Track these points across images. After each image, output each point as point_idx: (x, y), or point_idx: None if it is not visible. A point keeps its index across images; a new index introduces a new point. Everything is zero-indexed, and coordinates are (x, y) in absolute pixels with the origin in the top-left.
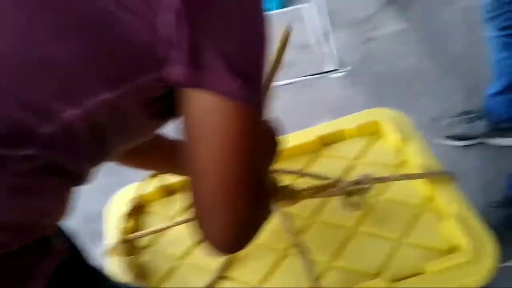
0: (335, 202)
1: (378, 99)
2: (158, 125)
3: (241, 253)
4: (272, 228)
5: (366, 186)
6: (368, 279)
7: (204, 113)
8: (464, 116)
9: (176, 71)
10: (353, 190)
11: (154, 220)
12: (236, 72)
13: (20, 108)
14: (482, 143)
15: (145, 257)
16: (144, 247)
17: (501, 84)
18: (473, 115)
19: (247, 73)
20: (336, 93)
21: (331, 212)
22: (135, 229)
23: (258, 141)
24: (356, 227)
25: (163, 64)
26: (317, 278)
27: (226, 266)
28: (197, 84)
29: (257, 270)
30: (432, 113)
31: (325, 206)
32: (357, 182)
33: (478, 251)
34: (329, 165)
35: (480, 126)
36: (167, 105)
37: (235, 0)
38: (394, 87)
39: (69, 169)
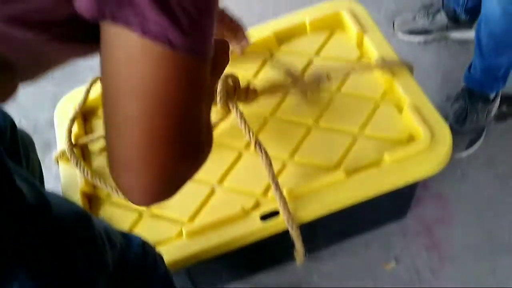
0: (293, 99)
1: None
2: (78, 51)
3: None
4: (229, 127)
5: (324, 81)
6: (328, 172)
7: (121, 54)
8: (424, 11)
9: (83, 2)
10: (310, 86)
11: None
12: (166, 7)
13: None
14: (441, 37)
15: (99, 161)
16: (97, 152)
17: None
18: (432, 9)
19: (190, 16)
20: None
21: (289, 109)
22: (86, 133)
23: (191, 91)
24: (315, 123)
25: None
26: (274, 175)
27: None
28: (108, 16)
29: (215, 169)
30: (393, 8)
31: (283, 103)
32: (315, 78)
33: (434, 139)
34: (286, 62)
35: (440, 20)
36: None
37: None
38: None
39: None
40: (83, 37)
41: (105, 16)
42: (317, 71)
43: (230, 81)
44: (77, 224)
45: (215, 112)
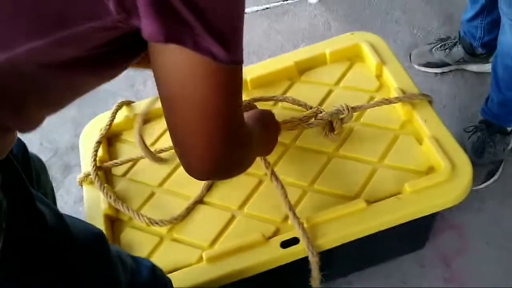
0: (314, 128)
1: (355, 26)
2: (108, 75)
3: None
4: None
5: (345, 115)
6: (347, 201)
7: (175, 70)
8: (441, 43)
9: (147, 25)
10: (332, 120)
11: (128, 148)
12: (217, 32)
13: None
14: (458, 69)
15: (122, 185)
16: (120, 176)
17: (474, 8)
18: (450, 41)
19: (226, 33)
20: (313, 20)
21: (310, 138)
22: (110, 157)
23: (231, 93)
24: (335, 152)
25: (112, 13)
26: (291, 205)
27: (204, 192)
28: (170, 39)
29: (235, 196)
30: (409, 40)
31: (304, 132)
32: (336, 112)
33: (454, 171)
34: (307, 92)
35: (457, 53)
36: (115, 52)
37: None
38: (372, 14)
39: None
40: (117, 59)
41: (169, 38)
42: (338, 106)
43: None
44: (94, 243)
45: None
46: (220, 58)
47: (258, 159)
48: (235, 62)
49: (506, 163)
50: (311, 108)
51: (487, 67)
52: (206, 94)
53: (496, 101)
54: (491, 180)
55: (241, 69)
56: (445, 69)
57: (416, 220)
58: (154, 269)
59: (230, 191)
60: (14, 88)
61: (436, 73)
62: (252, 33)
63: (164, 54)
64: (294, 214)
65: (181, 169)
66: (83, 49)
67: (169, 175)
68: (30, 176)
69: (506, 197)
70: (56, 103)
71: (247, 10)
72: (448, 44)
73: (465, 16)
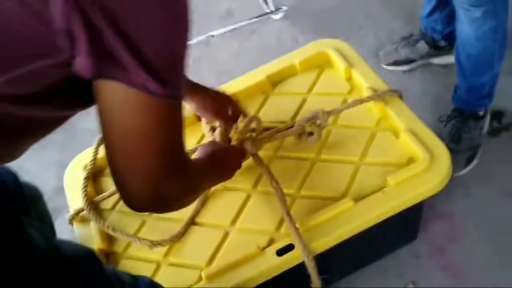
0: (292, 137)
1: (321, 36)
2: (67, 115)
3: (209, 199)
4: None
5: (321, 120)
6: (336, 202)
7: (112, 103)
8: (405, 41)
9: (80, 62)
10: (310, 126)
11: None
12: (151, 68)
13: None
14: (425, 64)
15: (113, 217)
16: (109, 209)
17: (431, 3)
18: (412, 38)
19: (161, 68)
20: (280, 35)
21: (290, 146)
22: (97, 192)
23: (168, 125)
24: (317, 157)
25: (60, 53)
26: (288, 209)
27: (194, 214)
28: (102, 75)
29: (226, 213)
30: (375, 43)
31: (285, 142)
32: (312, 117)
33: (433, 159)
34: (283, 103)
35: (421, 48)
36: (75, 93)
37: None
38: (336, 23)
39: None
40: (75, 100)
41: (100, 74)
42: (313, 113)
43: (254, 124)
44: (86, 260)
45: None
46: (154, 92)
47: (260, 168)
48: (171, 96)
49: (484, 146)
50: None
51: (452, 59)
52: (141, 126)
53: (464, 88)
54: (472, 165)
55: (180, 104)
56: (413, 65)
57: (404, 211)
58: (153, 285)
59: (220, 209)
60: None
61: (404, 70)
62: (222, 54)
63: (102, 88)
64: (291, 218)
65: None
66: (38, 86)
67: None
68: (24, 202)
69: (488, 180)
70: (15, 139)
71: (215, 33)
72: (412, 41)
73: (424, 12)
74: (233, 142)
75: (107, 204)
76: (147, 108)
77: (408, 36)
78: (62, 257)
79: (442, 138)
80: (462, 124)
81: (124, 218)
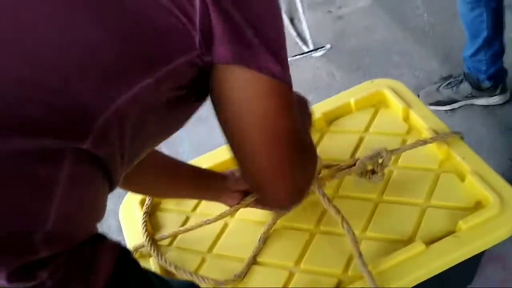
0: (354, 176)
1: (357, 74)
2: (186, 117)
3: (270, 237)
4: (294, 210)
5: (384, 158)
6: (403, 245)
7: (246, 90)
8: (447, 81)
9: (220, 50)
10: (372, 164)
11: (171, 217)
12: (273, 51)
13: (74, 99)
14: (466, 105)
15: (171, 254)
16: (167, 245)
17: (475, 44)
18: (455, 79)
19: (279, 51)
20: (317, 71)
21: (350, 185)
22: (154, 227)
23: (295, 115)
24: (380, 197)
25: (197, 47)
26: (361, 252)
27: (256, 253)
28: (240, 62)
29: (289, 252)
30: (413, 82)
31: (345, 181)
32: (375, 155)
33: (503, 204)
34: (339, 140)
35: (464, 89)
36: (191, 93)
37: None
38: (372, 61)
39: (106, 163)
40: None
41: (239, 61)
42: (375, 151)
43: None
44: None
45: None
46: (278, 76)
47: (328, 208)
48: (289, 80)
49: None
50: None
51: (495, 100)
52: (269, 111)
53: None
54: None
55: (292, 90)
56: (455, 105)
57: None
58: None
59: (282, 248)
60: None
61: (446, 110)
62: None
63: (230, 78)
64: (363, 261)
65: (228, 231)
66: (177, 86)
67: (217, 238)
68: None
69: None
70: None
71: None
72: (455, 82)
73: (467, 53)
74: None
75: (165, 240)
76: (272, 91)
77: (448, 76)
78: None
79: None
80: None
81: (183, 255)
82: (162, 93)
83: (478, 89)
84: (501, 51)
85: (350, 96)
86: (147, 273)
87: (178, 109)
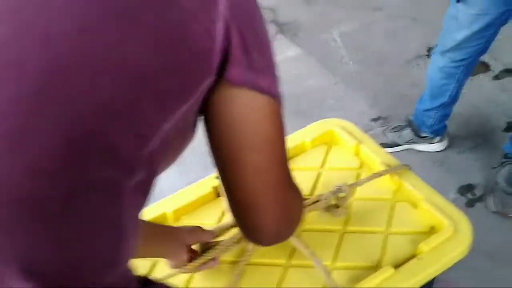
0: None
1: (295, 118)
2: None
3: (243, 276)
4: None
5: (345, 193)
6: (373, 271)
7: (250, 111)
8: (393, 126)
9: (235, 73)
10: (335, 200)
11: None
12: (272, 73)
13: (123, 128)
14: (408, 149)
15: None
16: None
17: (433, 103)
18: (400, 125)
19: (276, 73)
20: None
21: (317, 219)
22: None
23: (284, 133)
24: (345, 228)
25: (216, 70)
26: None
27: None
28: (253, 84)
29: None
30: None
31: (309, 216)
32: (337, 190)
33: (457, 226)
34: (298, 178)
35: (407, 135)
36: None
37: (258, 10)
38: (307, 106)
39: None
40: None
41: (248, 84)
42: (337, 186)
43: None
44: None
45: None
46: (279, 98)
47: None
48: (280, 99)
49: None
50: None
51: (434, 147)
52: (273, 133)
53: None
54: None
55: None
56: (397, 148)
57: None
58: None
59: (257, 285)
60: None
61: (389, 153)
62: None
63: (234, 101)
64: None
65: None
66: (195, 110)
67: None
68: None
69: None
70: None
71: None
72: (398, 127)
73: (421, 106)
74: None
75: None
76: (277, 114)
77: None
78: None
79: (496, 182)
80: None
81: None
82: (189, 117)
83: (419, 136)
84: (449, 114)
85: (303, 135)
86: None
87: (190, 133)
